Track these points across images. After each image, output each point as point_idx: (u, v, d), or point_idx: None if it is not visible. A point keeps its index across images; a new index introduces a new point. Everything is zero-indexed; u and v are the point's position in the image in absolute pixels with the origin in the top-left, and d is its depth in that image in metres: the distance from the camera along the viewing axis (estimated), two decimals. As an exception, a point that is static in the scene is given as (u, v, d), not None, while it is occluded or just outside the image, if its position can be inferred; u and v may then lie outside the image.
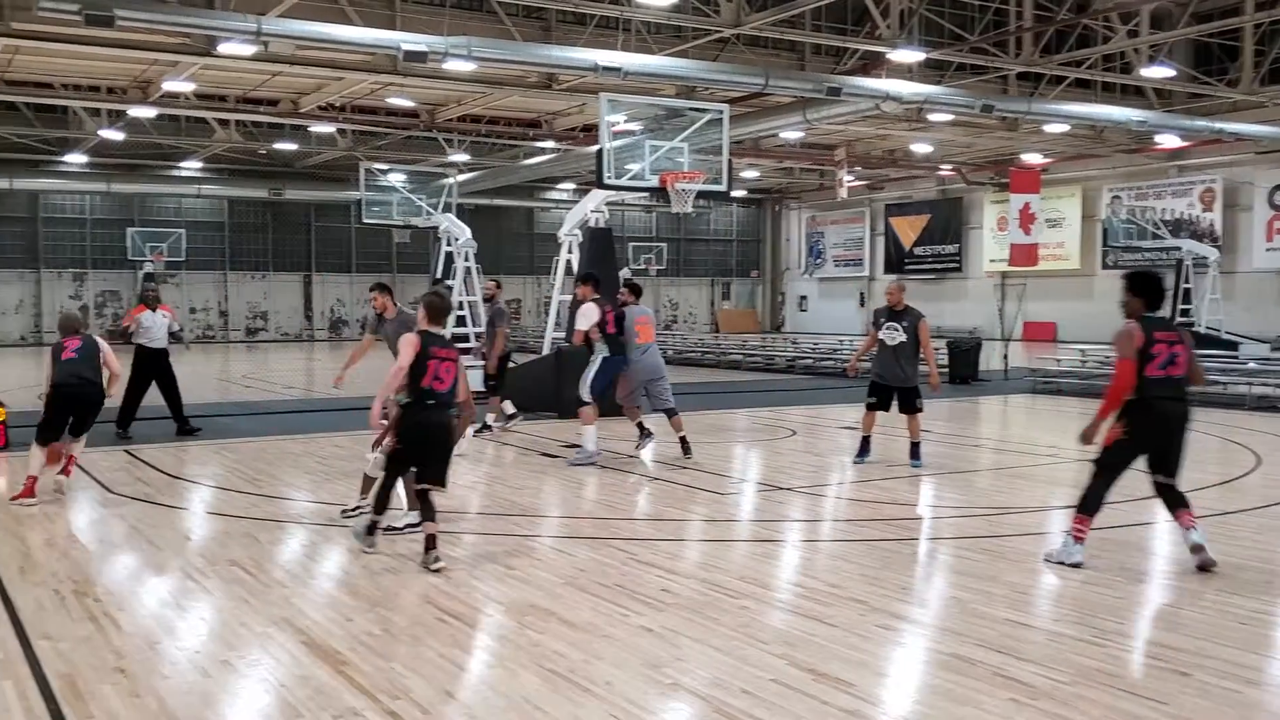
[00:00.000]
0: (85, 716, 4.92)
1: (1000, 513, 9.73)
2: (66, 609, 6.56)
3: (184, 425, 14.48)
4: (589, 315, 12.36)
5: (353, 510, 9.05)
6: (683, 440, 12.52)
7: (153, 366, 14.33)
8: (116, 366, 10.56)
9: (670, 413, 12.71)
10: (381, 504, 7.79)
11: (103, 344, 10.41)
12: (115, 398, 11.63)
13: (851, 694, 5.16)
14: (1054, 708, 5.00)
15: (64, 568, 7.55)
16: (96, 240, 42.42)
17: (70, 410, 10.09)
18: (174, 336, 14.80)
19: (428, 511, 7.64)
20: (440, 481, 7.73)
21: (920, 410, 11.89)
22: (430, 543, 7.53)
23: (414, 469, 7.82)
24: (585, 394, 12.30)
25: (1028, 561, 7.94)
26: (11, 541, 8.35)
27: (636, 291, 13.18)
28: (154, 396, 14.48)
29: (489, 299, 15.25)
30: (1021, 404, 19.91)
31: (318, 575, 7.63)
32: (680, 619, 6.33)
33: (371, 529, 7.83)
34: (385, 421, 8.16)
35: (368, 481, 8.89)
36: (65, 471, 10.33)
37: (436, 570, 7.36)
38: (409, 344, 7.68)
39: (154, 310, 14.52)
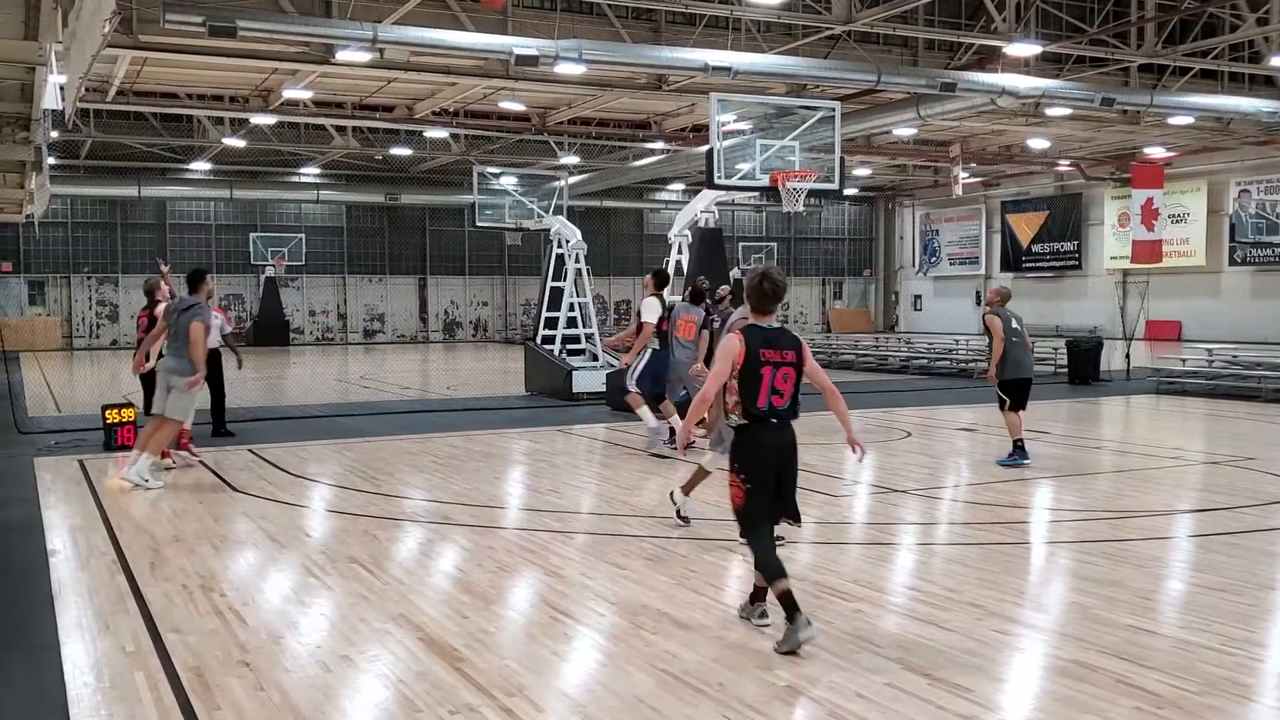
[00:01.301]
0: (212, 708, 5.06)
1: (1123, 516, 9.47)
2: (194, 604, 6.77)
3: (221, 428, 14.61)
4: (653, 308, 13.21)
5: (682, 520, 8.80)
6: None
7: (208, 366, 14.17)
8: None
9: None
10: (777, 571, 5.95)
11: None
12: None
13: (968, 699, 5.07)
14: (1181, 718, 4.85)
15: (191, 564, 7.78)
16: (221, 245, 43.72)
17: None
18: (225, 340, 14.55)
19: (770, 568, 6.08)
20: (795, 516, 6.27)
21: (1000, 407, 12.09)
22: (760, 593, 6.21)
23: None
24: (630, 384, 13.12)
25: (1152, 566, 7.73)
26: (142, 539, 8.64)
27: (698, 298, 13.57)
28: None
29: (720, 300, 15.41)
30: (1144, 405, 19.36)
31: (434, 573, 7.74)
32: (793, 621, 6.28)
33: (758, 595, 6.22)
34: (696, 441, 6.63)
35: (700, 475, 8.68)
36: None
37: (764, 625, 6.11)
38: (727, 354, 5.96)
39: None
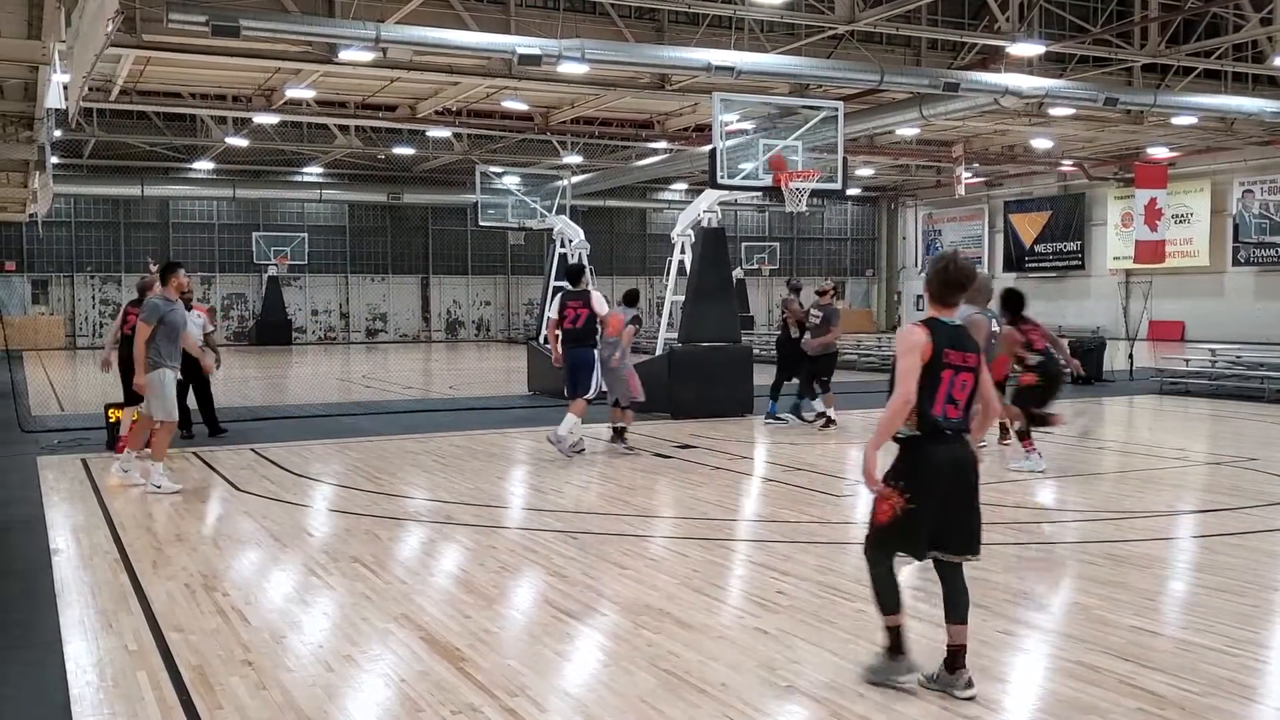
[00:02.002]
0: (214, 707, 5.06)
1: (1126, 517, 9.46)
2: (196, 603, 6.77)
3: (215, 427, 14.57)
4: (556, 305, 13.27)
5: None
6: (618, 430, 13.32)
7: (187, 365, 13.29)
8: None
9: (617, 403, 13.32)
10: (891, 601, 5.30)
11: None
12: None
13: (971, 700, 5.06)
14: (1184, 718, 4.84)
15: (193, 562, 7.78)
16: (224, 244, 43.74)
17: None
18: (206, 339, 14.31)
19: (957, 610, 5.25)
20: (972, 549, 5.34)
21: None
22: (956, 658, 5.18)
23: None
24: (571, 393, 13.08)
25: (1155, 567, 7.72)
26: (145, 537, 8.64)
27: (631, 299, 14.21)
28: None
29: (821, 293, 15.80)
30: (1147, 405, 19.34)
31: (436, 572, 7.74)
32: (795, 621, 6.28)
33: (896, 648, 5.28)
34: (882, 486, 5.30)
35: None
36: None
37: (968, 697, 5.08)
38: (913, 346, 5.08)
39: (189, 310, 13.65)
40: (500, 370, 28.25)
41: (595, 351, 12.87)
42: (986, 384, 5.31)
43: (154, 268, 13.19)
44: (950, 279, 5.25)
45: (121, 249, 42.17)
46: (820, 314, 15.44)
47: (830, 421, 15.25)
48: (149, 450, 10.79)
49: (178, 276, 11.03)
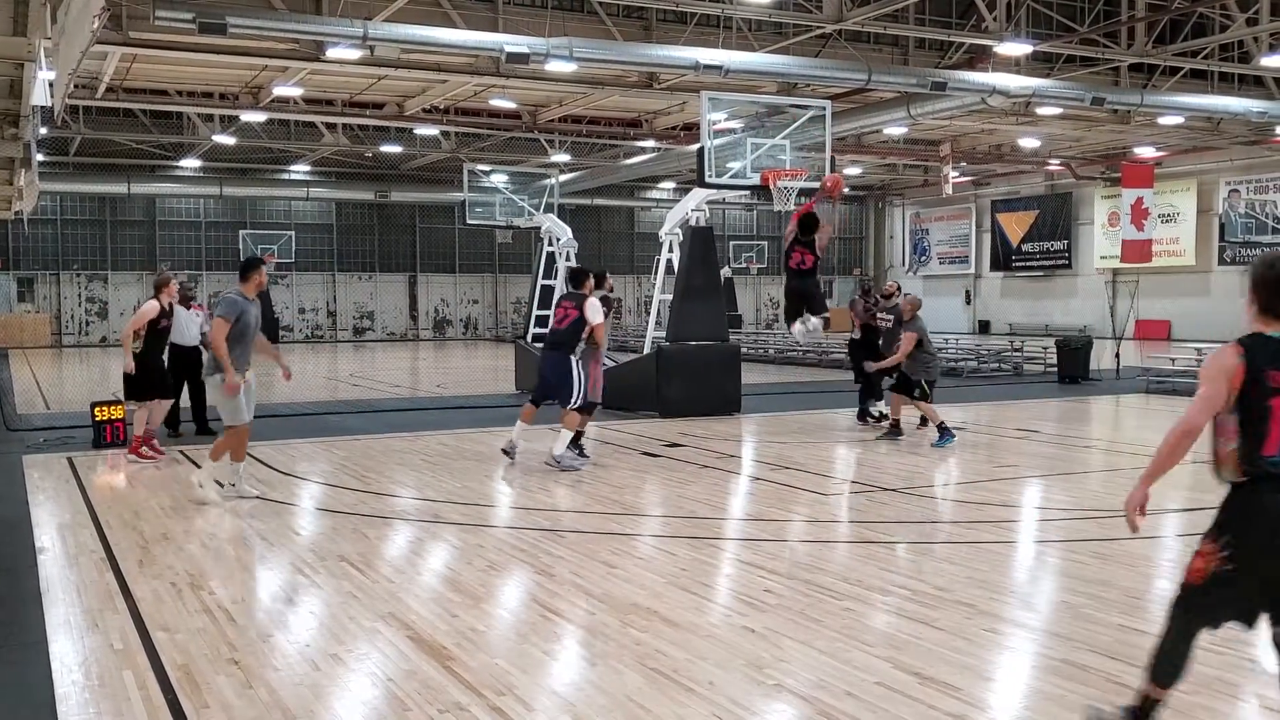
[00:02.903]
0: (201, 706, 5.04)
1: (1112, 516, 9.47)
2: (183, 602, 6.74)
3: (203, 426, 14.48)
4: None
5: None
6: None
7: (183, 364, 13.88)
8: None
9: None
10: (1167, 672, 4.47)
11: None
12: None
13: (958, 698, 5.07)
14: (1172, 717, 4.84)
15: (180, 561, 7.76)
16: (210, 243, 43.63)
17: None
18: (203, 338, 13.94)
19: None
20: None
21: (921, 398, 13.59)
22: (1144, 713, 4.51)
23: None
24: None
25: (1141, 566, 7.74)
26: (131, 535, 8.61)
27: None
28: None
29: (887, 295, 15.65)
30: (1134, 404, 19.41)
31: (424, 571, 7.73)
32: (783, 620, 6.28)
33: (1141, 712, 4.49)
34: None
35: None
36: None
37: None
38: (1219, 373, 4.17)
39: (187, 309, 14.07)
40: (488, 369, 28.22)
41: (573, 358, 11.90)
42: None
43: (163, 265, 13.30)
44: (1273, 281, 4.14)
45: (108, 247, 42.06)
46: (891, 316, 14.80)
47: (882, 417, 15.29)
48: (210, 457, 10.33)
49: (260, 274, 10.09)
